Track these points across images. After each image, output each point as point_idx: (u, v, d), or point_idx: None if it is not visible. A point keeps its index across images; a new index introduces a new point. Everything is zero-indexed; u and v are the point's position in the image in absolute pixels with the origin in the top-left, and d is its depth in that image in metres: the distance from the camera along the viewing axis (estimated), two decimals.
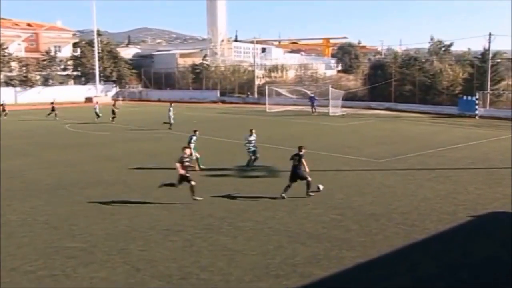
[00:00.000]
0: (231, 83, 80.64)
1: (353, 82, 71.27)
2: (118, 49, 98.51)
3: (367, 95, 63.61)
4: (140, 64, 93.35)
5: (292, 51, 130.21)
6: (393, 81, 60.56)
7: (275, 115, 51.42)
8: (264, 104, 58.70)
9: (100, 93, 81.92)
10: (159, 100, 73.31)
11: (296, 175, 17.00)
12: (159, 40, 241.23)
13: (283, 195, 16.82)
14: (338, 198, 17.01)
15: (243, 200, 16.89)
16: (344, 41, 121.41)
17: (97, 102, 51.35)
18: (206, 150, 28.02)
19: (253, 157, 22.48)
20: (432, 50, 69.18)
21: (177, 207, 16.01)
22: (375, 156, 25.32)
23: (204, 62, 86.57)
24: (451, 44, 70.63)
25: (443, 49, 70.46)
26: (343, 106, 53.63)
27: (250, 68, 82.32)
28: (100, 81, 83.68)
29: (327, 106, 52.49)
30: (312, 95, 55.05)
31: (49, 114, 48.44)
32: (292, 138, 32.03)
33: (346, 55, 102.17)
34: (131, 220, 14.66)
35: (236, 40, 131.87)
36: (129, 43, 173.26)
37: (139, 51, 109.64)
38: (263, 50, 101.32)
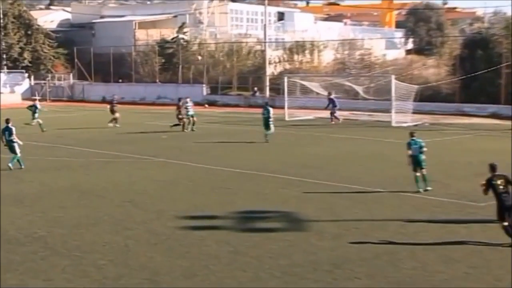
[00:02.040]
0: (227, 73, 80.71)
1: (434, 70, 71.44)
2: (34, 13, 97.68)
3: (458, 93, 63.66)
4: (72, 39, 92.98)
5: (330, 18, 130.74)
6: (504, 68, 60.59)
7: (301, 124, 51.46)
8: (282, 107, 58.62)
9: (3, 88, 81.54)
10: (103, 101, 72.44)
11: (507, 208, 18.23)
12: None
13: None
14: (409, 267, 16.90)
15: (245, 269, 16.84)
16: (418, 0, 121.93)
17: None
18: (183, 187, 28.06)
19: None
20: None
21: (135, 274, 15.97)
22: (472, 195, 25.09)
23: (181, 36, 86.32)
24: None
25: None
26: (416, 112, 53.77)
27: (258, 47, 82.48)
28: (2, 68, 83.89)
29: (389, 111, 52.76)
30: (331, 97, 54.53)
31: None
32: (327, 164, 31.97)
33: (421, 24, 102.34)
34: None
35: (234, 0, 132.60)
36: (51, 2, 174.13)
37: (69, 16, 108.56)
38: (281, 16, 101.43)
